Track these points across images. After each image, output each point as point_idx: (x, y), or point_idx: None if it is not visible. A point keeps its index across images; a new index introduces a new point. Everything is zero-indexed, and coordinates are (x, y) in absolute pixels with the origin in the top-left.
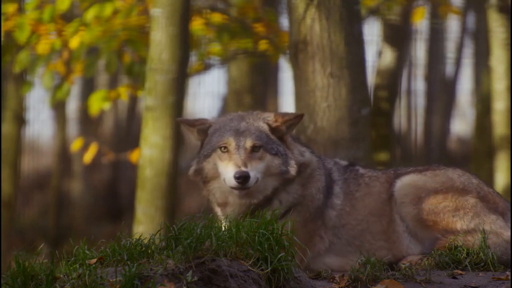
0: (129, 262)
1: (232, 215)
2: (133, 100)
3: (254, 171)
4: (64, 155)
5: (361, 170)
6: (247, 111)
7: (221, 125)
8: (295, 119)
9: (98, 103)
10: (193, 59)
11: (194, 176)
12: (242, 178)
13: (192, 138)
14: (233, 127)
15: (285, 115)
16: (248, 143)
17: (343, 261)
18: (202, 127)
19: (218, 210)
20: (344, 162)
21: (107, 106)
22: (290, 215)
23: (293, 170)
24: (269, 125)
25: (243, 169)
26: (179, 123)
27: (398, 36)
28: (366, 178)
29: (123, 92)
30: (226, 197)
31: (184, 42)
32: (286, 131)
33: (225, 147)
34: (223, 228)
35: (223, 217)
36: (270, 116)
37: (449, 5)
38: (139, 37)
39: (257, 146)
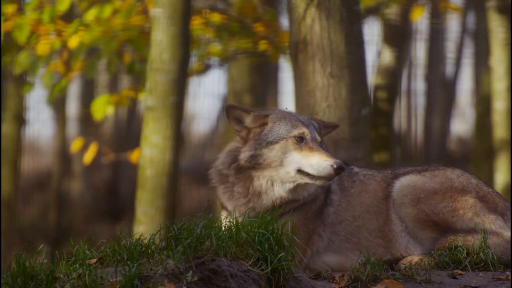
0: (129, 262)
1: (261, 208)
2: (134, 100)
3: None
4: (64, 155)
5: (356, 169)
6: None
7: (281, 116)
8: (333, 128)
9: (101, 108)
10: (193, 59)
11: (246, 162)
12: (341, 169)
13: (236, 126)
14: (300, 120)
15: (326, 122)
16: (318, 138)
17: (341, 259)
18: (259, 115)
19: (229, 205)
20: None
21: (109, 110)
22: (291, 214)
23: None
24: (320, 129)
25: (339, 160)
26: (230, 108)
27: (398, 36)
28: (361, 176)
29: (125, 97)
30: (270, 186)
31: (185, 42)
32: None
33: (301, 137)
34: (227, 223)
35: (232, 211)
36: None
37: (448, 2)
38: (139, 37)
39: (322, 143)
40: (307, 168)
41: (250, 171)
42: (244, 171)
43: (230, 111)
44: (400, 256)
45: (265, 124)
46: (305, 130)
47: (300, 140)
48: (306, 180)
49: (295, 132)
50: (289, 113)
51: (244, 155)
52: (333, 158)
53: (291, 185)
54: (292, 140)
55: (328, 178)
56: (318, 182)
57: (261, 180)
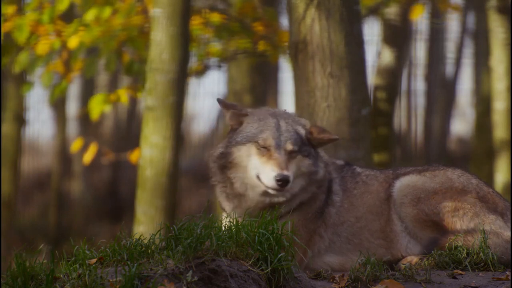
0: (129, 262)
1: (249, 210)
2: (133, 100)
3: (292, 174)
4: (64, 155)
5: (358, 169)
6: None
7: (260, 117)
8: (329, 141)
9: (98, 107)
10: (193, 59)
11: (218, 158)
12: (283, 181)
13: (226, 120)
14: (273, 125)
15: (321, 132)
16: (289, 146)
17: (342, 260)
18: (237, 113)
19: (227, 206)
20: (340, 162)
21: (107, 109)
22: (291, 215)
23: (322, 171)
24: (306, 132)
25: (285, 172)
26: (218, 101)
27: (398, 36)
28: (363, 177)
29: (123, 95)
30: (245, 189)
31: (185, 42)
32: (316, 144)
33: (264, 144)
34: (227, 224)
35: (231, 212)
36: (307, 124)
37: (448, 1)
38: (139, 36)
39: (294, 151)
40: (261, 176)
41: (227, 171)
42: (222, 169)
43: (219, 105)
44: (400, 256)
45: (242, 123)
46: (270, 137)
47: (264, 146)
48: (262, 187)
49: (261, 137)
50: (269, 116)
51: (216, 152)
52: (281, 169)
53: (260, 189)
54: (256, 145)
55: (275, 189)
56: (270, 191)
57: (237, 182)
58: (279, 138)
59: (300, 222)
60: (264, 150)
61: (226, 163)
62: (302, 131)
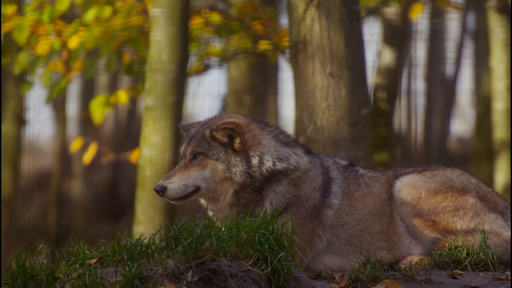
0: (129, 262)
1: (220, 217)
2: (133, 101)
3: (185, 180)
4: (64, 155)
5: (361, 171)
6: (247, 112)
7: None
8: (228, 130)
9: (100, 110)
10: (193, 59)
11: None
12: (157, 192)
13: None
14: (189, 134)
15: (221, 125)
16: (189, 150)
17: (342, 261)
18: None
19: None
20: (344, 162)
21: (108, 111)
22: (283, 216)
23: (236, 176)
24: (211, 131)
25: (161, 182)
26: (179, 127)
27: (398, 36)
28: (366, 179)
29: (123, 96)
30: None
31: (184, 42)
32: (228, 141)
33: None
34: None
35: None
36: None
37: (448, 0)
38: (139, 36)
39: (197, 153)
40: None
41: None
42: None
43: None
44: (402, 256)
45: None
46: (182, 147)
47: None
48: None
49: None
50: (200, 125)
51: None
52: (164, 180)
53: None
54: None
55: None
56: None
57: None
58: (186, 146)
59: (296, 223)
60: None
61: None
62: (208, 132)
